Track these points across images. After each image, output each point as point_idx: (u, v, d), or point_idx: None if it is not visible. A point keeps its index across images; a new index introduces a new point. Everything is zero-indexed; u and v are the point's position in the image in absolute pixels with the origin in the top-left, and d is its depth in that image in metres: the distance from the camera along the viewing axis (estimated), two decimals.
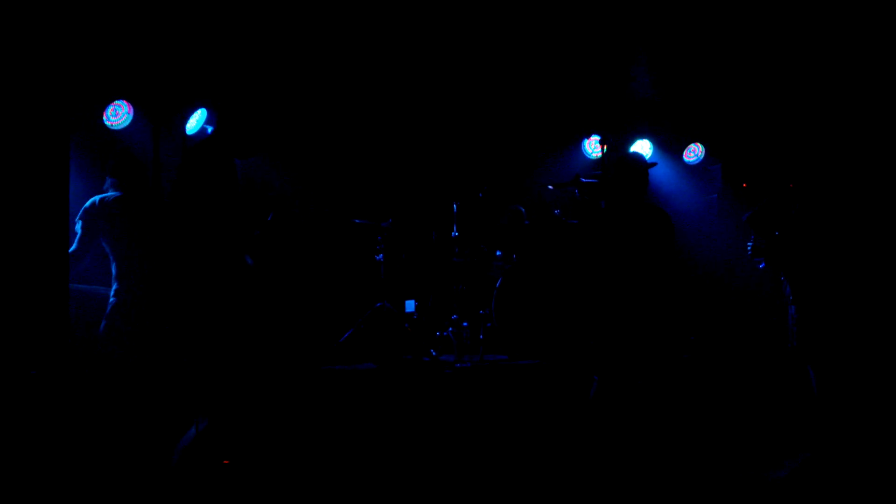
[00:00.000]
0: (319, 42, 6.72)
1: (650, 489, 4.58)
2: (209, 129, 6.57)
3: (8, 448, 3.52)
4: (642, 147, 7.77)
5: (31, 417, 3.57)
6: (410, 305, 6.80)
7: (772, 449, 5.12)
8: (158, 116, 5.01)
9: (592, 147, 7.73)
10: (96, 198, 4.90)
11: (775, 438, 5.24)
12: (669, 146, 7.83)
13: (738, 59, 7.06)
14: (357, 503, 4.45)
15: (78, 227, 4.87)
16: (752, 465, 4.91)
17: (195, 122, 6.44)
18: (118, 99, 6.12)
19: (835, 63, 6.66)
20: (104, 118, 6.11)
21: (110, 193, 4.97)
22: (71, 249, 4.80)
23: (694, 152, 7.86)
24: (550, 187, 6.34)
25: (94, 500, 4.08)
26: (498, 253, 6.90)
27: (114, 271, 4.85)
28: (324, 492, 4.49)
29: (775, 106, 7.16)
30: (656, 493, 4.54)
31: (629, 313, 5.00)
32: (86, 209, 4.86)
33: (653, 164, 5.44)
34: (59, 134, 3.74)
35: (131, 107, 6.15)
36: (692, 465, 4.91)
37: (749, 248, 5.42)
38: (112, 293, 4.83)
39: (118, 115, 6.15)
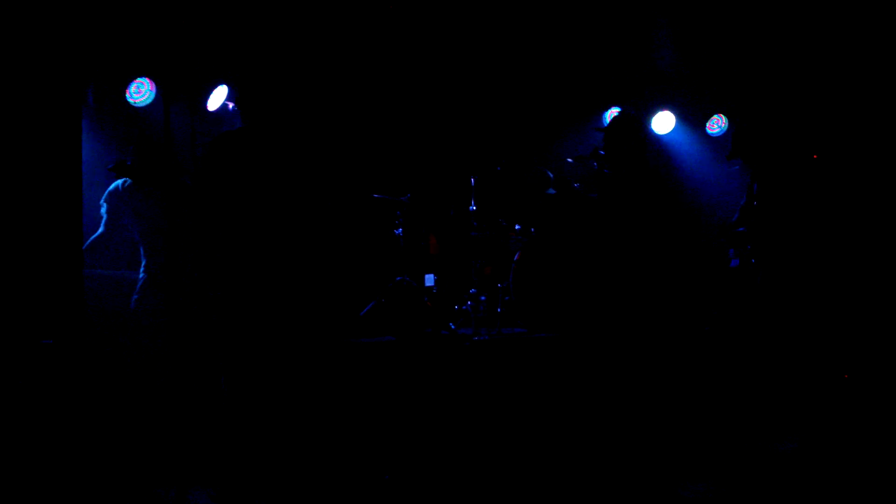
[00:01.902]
0: (335, 16, 6.74)
1: (665, 460, 4.61)
2: (230, 107, 6.65)
3: (23, 413, 3.65)
4: (665, 119, 7.68)
5: (46, 384, 3.69)
6: (430, 279, 6.84)
7: (782, 422, 5.11)
8: (170, 93, 5.10)
9: None
10: (118, 182, 5.28)
11: (786, 412, 5.22)
12: (692, 118, 7.74)
13: (762, 27, 6.93)
14: (376, 469, 4.57)
15: (103, 210, 5.23)
16: (762, 437, 4.91)
17: (217, 99, 6.52)
18: (141, 76, 6.20)
19: (862, 31, 6.51)
20: (127, 95, 6.20)
21: None
22: (99, 231, 5.15)
23: (717, 124, 7.74)
24: (570, 160, 6.31)
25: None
26: (517, 227, 6.89)
27: (142, 250, 5.16)
28: (345, 458, 4.63)
29: (799, 77, 7.02)
30: (671, 463, 4.57)
31: (642, 287, 5.00)
32: (110, 192, 5.23)
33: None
34: (71, 102, 3.84)
35: (154, 84, 6.24)
36: (706, 437, 4.92)
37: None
38: (142, 270, 5.15)
39: (140, 92, 6.24)
